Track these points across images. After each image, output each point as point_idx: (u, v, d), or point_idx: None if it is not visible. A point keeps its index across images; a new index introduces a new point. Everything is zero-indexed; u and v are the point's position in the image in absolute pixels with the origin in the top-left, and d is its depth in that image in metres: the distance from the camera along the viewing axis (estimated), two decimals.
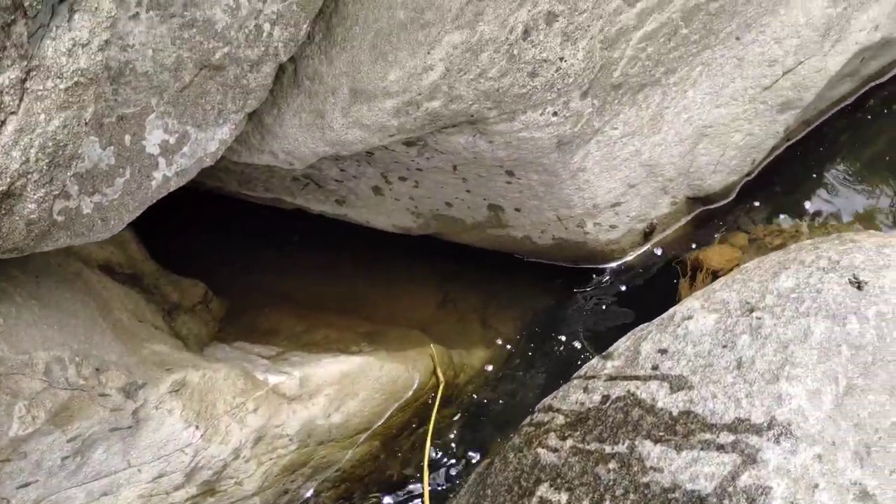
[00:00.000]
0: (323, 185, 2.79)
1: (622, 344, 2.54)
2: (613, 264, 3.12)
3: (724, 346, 2.28)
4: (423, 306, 3.24)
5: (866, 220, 3.29)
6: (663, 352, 2.38)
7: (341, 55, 2.17)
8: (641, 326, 2.57)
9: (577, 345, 3.08)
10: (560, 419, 2.43)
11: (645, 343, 2.43)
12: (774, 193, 3.33)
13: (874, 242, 2.30)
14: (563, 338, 3.09)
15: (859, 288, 2.22)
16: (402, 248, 3.25)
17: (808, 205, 3.33)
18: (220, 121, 2.01)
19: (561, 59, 2.36)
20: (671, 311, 2.50)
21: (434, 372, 2.91)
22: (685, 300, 2.50)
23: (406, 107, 2.24)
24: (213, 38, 1.87)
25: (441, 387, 2.86)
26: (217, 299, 3.06)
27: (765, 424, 2.04)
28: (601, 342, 3.01)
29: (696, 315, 2.40)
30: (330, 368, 2.73)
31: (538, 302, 3.21)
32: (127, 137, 1.85)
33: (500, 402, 2.97)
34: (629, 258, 3.11)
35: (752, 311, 2.31)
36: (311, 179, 2.76)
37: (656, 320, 2.53)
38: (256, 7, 1.92)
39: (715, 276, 3.15)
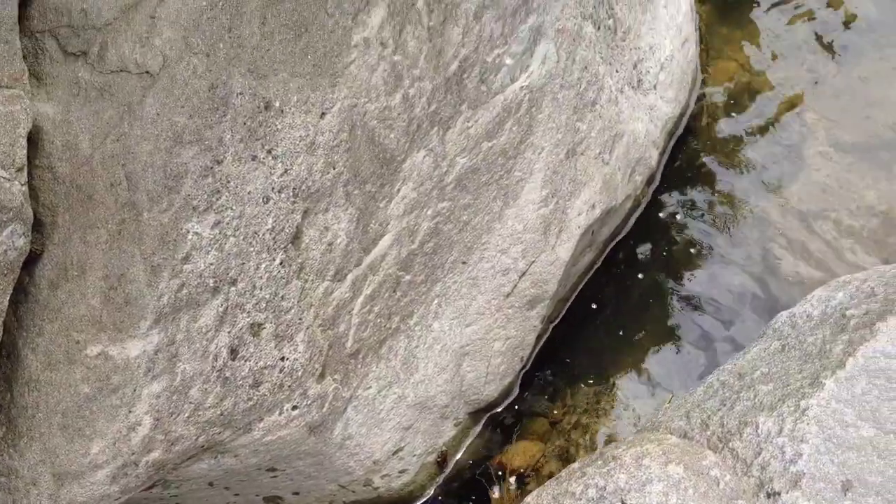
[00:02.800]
0: None
1: None
2: (420, 503, 3.01)
3: None
4: None
5: (644, 362, 3.37)
6: None
7: (31, 445, 1.99)
8: None
9: None
10: None
11: None
12: (559, 369, 3.36)
13: (633, 455, 2.30)
14: None
15: None
16: None
17: (591, 367, 3.37)
18: None
19: (282, 359, 2.28)
20: None
21: None
22: None
23: (123, 470, 2.07)
24: None
25: None
26: None
27: None
28: None
29: None
30: None
31: None
32: None
33: None
34: (432, 491, 3.02)
35: None
36: None
37: None
38: None
39: (520, 477, 3.11)
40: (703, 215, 3.68)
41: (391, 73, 2.34)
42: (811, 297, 2.83)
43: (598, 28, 3.07)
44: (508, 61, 2.66)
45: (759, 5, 4.24)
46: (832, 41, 4.05)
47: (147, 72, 1.91)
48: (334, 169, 2.27)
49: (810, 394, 2.38)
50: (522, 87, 2.72)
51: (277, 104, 2.11)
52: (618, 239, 3.51)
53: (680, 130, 3.79)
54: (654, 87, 3.52)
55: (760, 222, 3.62)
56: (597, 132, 3.06)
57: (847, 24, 4.15)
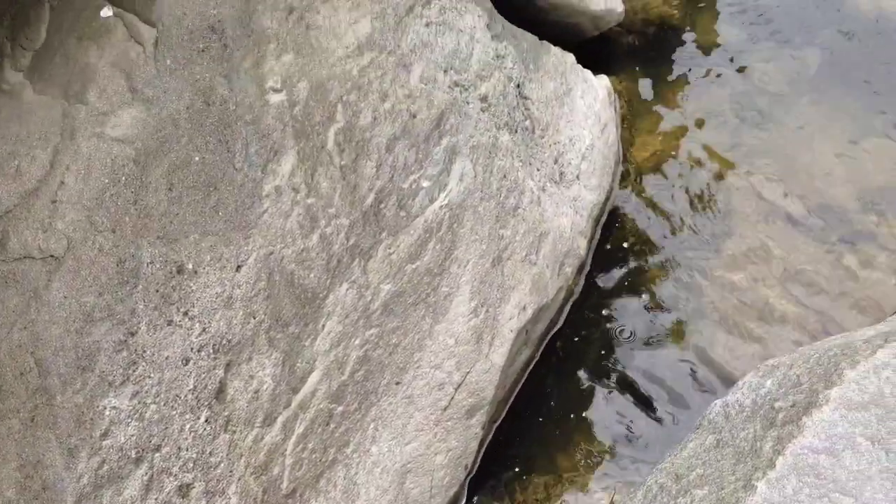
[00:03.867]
0: None
1: None
2: None
3: None
4: None
5: (592, 451, 3.39)
6: None
7: None
8: None
9: None
10: None
11: None
12: (507, 467, 3.36)
13: None
14: None
15: None
16: None
17: (539, 460, 3.39)
18: None
19: None
20: None
21: None
22: None
23: None
24: None
25: None
26: None
27: None
28: None
29: None
30: None
31: None
32: None
33: None
34: None
35: None
36: None
37: None
38: None
39: None
40: (637, 294, 3.73)
41: (306, 216, 2.35)
42: (742, 385, 2.89)
43: (516, 131, 3.13)
44: (425, 184, 2.69)
45: (678, 77, 4.37)
46: (753, 106, 4.18)
47: (52, 256, 1.90)
48: (255, 318, 2.27)
49: (743, 498, 2.41)
50: (442, 206, 2.76)
51: (190, 266, 2.11)
52: (554, 330, 3.54)
53: (606, 214, 3.86)
54: (577, 177, 3.59)
55: (694, 296, 3.69)
56: (521, 235, 3.11)
57: (765, 90, 4.29)
